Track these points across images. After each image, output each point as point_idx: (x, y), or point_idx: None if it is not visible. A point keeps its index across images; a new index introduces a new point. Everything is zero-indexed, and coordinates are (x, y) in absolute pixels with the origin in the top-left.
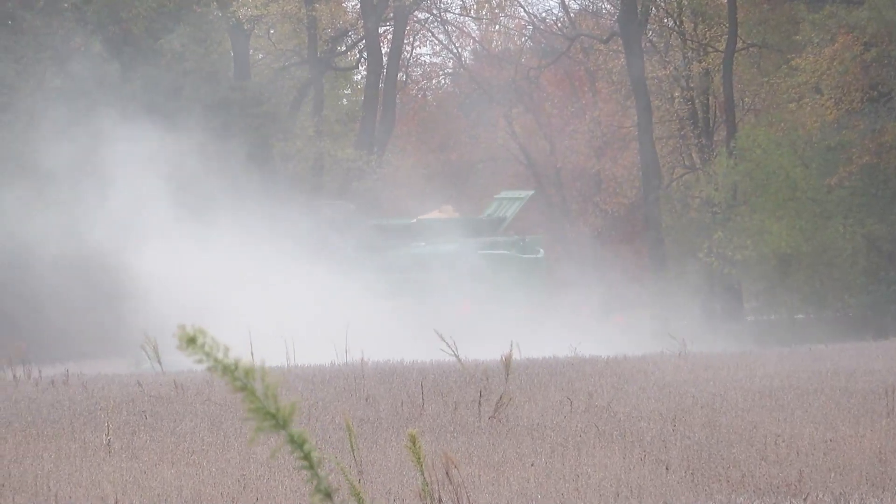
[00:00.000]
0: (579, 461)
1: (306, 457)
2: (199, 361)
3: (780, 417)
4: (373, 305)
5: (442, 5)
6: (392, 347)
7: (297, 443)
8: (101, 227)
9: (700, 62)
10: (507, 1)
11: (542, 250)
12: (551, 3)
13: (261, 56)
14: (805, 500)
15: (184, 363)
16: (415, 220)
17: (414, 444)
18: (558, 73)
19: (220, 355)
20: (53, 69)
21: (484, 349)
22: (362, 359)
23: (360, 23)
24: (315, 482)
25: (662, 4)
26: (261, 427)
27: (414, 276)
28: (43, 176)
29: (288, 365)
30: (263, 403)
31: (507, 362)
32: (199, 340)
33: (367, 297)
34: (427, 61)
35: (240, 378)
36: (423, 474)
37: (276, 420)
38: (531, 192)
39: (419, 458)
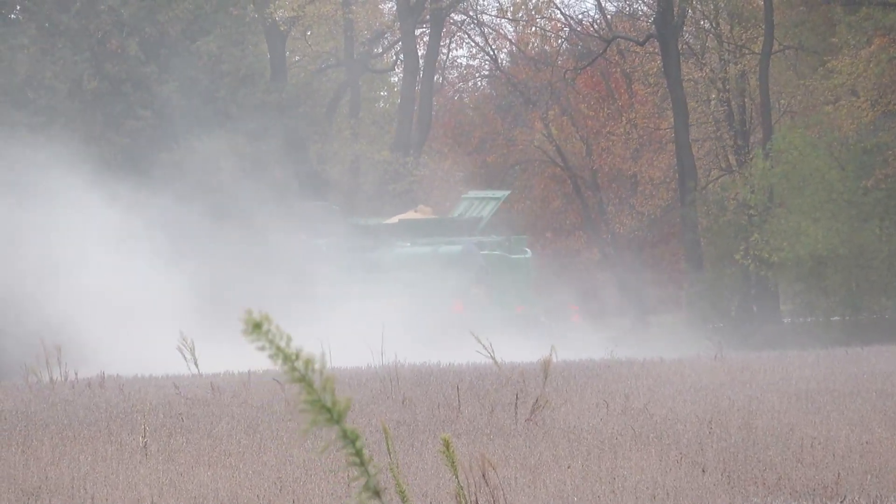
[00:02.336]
0: (615, 464)
1: (358, 453)
2: (262, 349)
3: (817, 420)
4: (364, 307)
5: (478, 7)
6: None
7: (350, 439)
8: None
9: (736, 64)
10: (543, 3)
11: (528, 250)
12: (588, 5)
13: (297, 58)
14: (841, 502)
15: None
16: (397, 220)
17: (448, 448)
18: (595, 75)
19: (282, 344)
20: (90, 71)
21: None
22: (397, 361)
23: (397, 25)
24: (365, 480)
25: (699, 6)
26: (316, 420)
27: (407, 276)
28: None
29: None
30: (320, 396)
31: (545, 365)
32: (265, 327)
33: (358, 298)
34: (463, 63)
35: (299, 369)
36: (457, 478)
37: (331, 414)
38: (506, 192)
39: (453, 462)
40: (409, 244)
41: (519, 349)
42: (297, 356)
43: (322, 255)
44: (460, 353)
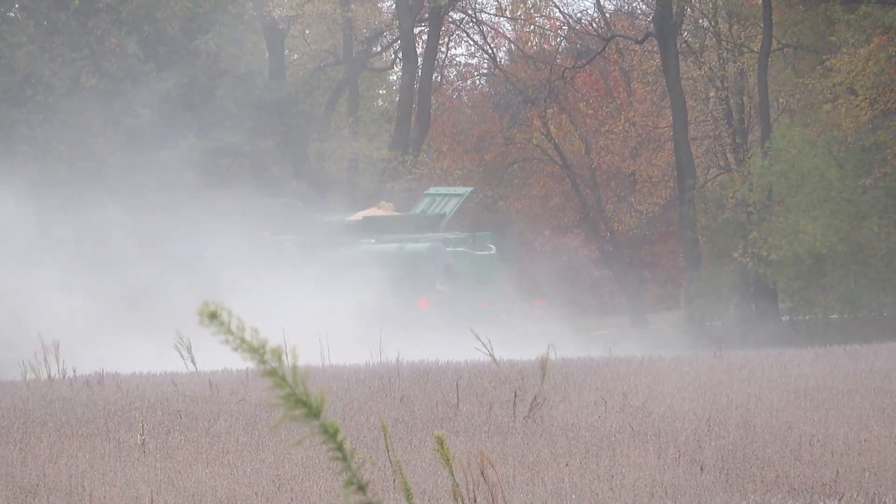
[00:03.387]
0: (614, 461)
1: (339, 448)
2: (225, 342)
3: (815, 418)
4: (328, 304)
5: (477, 6)
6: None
7: (330, 433)
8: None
9: (735, 63)
10: (542, 1)
11: (493, 247)
12: (586, 3)
13: (296, 56)
14: (840, 500)
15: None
16: (360, 217)
17: (442, 446)
18: (593, 73)
19: (247, 335)
20: (89, 69)
21: (449, 346)
22: (397, 359)
23: (396, 23)
24: (347, 475)
25: (698, 5)
26: (290, 415)
27: (372, 273)
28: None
29: (322, 364)
30: (293, 390)
31: (543, 363)
32: (222, 317)
33: (322, 295)
34: (462, 62)
35: (268, 361)
36: (452, 476)
37: (308, 408)
38: (470, 189)
39: (448, 460)
40: (373, 241)
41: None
42: (264, 348)
43: (286, 252)
44: (427, 349)
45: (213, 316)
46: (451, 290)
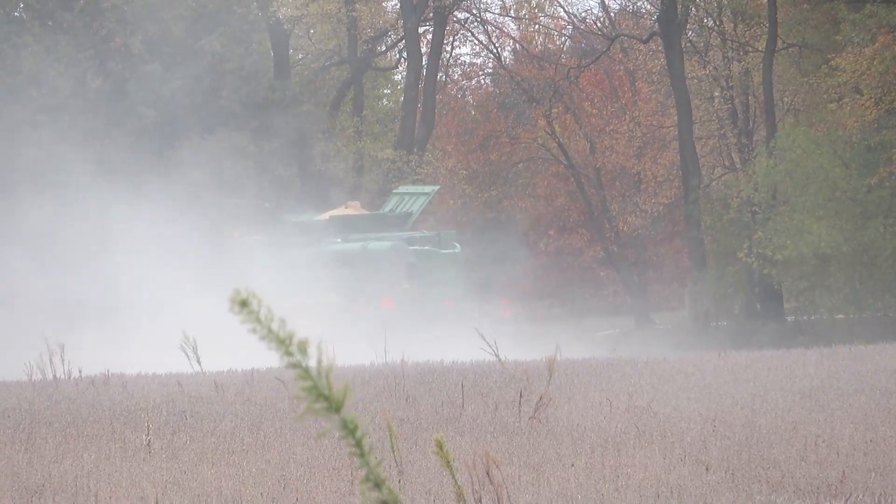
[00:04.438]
0: (619, 462)
1: (358, 444)
2: (252, 331)
3: (821, 418)
4: (293, 304)
5: (482, 5)
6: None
7: (350, 429)
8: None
9: (740, 62)
10: (546, 1)
11: (458, 245)
12: (591, 3)
13: (301, 56)
14: (846, 501)
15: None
16: (327, 217)
17: (441, 449)
18: (598, 72)
19: (274, 326)
20: (94, 69)
21: (412, 345)
22: (402, 359)
23: (400, 23)
24: (366, 471)
25: (702, 4)
26: (312, 408)
27: (336, 272)
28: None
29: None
30: (317, 383)
31: (550, 364)
32: (253, 305)
33: (287, 294)
34: (467, 61)
35: (294, 353)
36: (454, 478)
37: (329, 402)
38: (437, 187)
39: (448, 463)
40: (339, 240)
41: (451, 344)
42: (291, 340)
43: (253, 253)
44: (394, 348)
45: (244, 304)
46: (416, 289)
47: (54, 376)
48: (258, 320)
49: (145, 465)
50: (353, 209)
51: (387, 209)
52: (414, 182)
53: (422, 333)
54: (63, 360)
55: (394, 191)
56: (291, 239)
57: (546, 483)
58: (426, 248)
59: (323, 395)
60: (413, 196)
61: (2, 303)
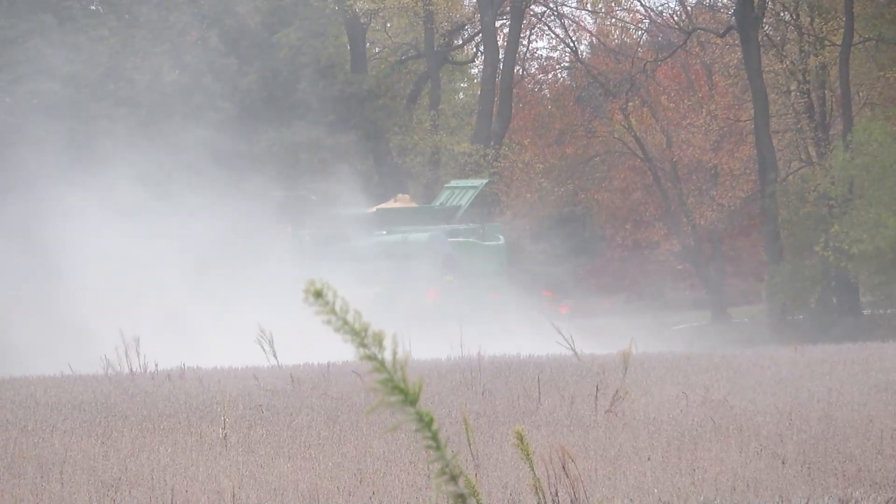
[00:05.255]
0: (695, 455)
1: (433, 437)
2: (327, 322)
3: None
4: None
5: None
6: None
7: (426, 422)
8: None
9: (816, 56)
10: None
11: (501, 237)
12: None
13: (377, 49)
14: None
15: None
16: (374, 210)
17: (521, 441)
18: (675, 66)
19: (349, 318)
20: (170, 63)
21: (452, 337)
22: (479, 353)
23: (477, 16)
24: (441, 464)
25: None
26: (387, 401)
27: (381, 264)
28: (156, 168)
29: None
30: (392, 376)
31: (626, 358)
32: (327, 296)
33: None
34: (544, 55)
35: (368, 345)
36: (533, 471)
37: (404, 395)
38: (485, 181)
39: (528, 455)
40: (384, 233)
41: (500, 339)
42: (365, 331)
43: (303, 247)
44: (437, 340)
45: (318, 295)
46: (459, 281)
47: (130, 370)
48: (333, 311)
49: (221, 459)
50: (401, 202)
51: (438, 203)
52: (490, 176)
53: (486, 325)
54: (138, 354)
55: (446, 185)
56: (338, 232)
57: (622, 476)
58: (469, 239)
59: (398, 387)
60: (462, 190)
61: (77, 296)
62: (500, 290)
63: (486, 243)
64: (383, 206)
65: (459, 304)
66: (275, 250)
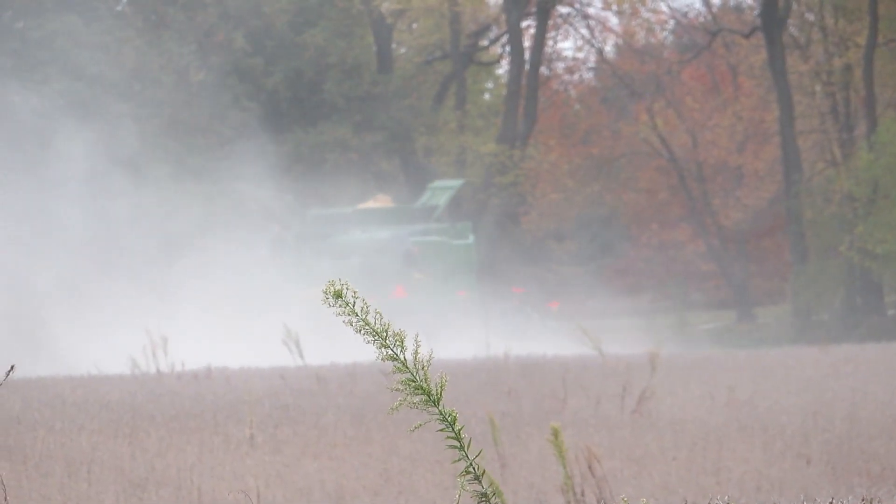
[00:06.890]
0: (721, 455)
1: (457, 436)
2: (348, 323)
3: None
4: (307, 293)
5: (584, 0)
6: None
7: (449, 421)
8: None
9: (841, 57)
10: None
11: (472, 236)
12: None
13: (403, 50)
14: None
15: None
16: (352, 210)
17: (556, 437)
18: (700, 67)
19: (370, 318)
20: (196, 63)
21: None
22: (505, 353)
23: (503, 17)
24: (465, 463)
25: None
26: (409, 401)
27: (349, 262)
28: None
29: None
30: (414, 375)
31: (653, 358)
32: (347, 297)
33: (303, 284)
34: (569, 56)
35: (390, 345)
36: (564, 467)
37: (427, 395)
38: (462, 182)
39: (561, 452)
40: (359, 232)
41: (460, 334)
42: (386, 332)
43: (287, 247)
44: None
45: (338, 295)
46: (420, 279)
47: (157, 370)
48: (353, 312)
49: (248, 459)
50: (381, 202)
51: (419, 203)
52: (515, 176)
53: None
54: (165, 354)
55: (429, 185)
56: (317, 232)
57: (648, 476)
58: (436, 238)
59: (421, 387)
60: (442, 190)
61: (104, 293)
62: (468, 288)
63: (455, 242)
64: (362, 205)
65: (425, 302)
66: (260, 247)
